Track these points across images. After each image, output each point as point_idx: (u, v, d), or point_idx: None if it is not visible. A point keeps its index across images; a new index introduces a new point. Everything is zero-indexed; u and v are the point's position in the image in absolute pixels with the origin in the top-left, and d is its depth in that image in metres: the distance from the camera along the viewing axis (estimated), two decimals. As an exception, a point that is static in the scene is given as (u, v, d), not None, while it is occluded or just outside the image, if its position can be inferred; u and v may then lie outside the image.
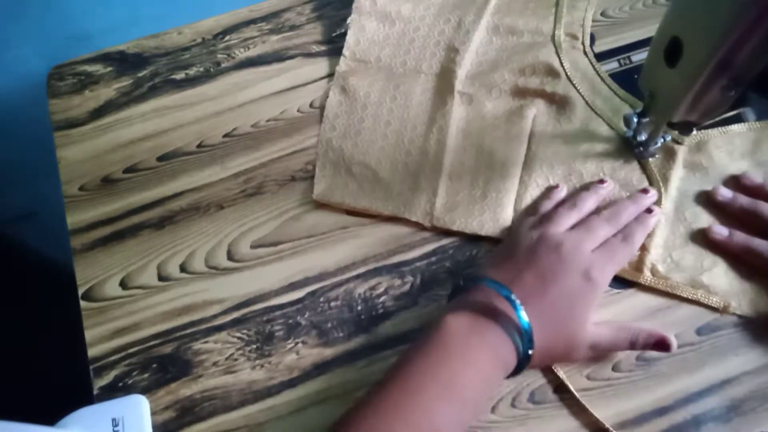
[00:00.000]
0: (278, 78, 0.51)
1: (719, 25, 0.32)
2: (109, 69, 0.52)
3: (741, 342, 0.40)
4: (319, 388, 0.41)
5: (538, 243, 0.39)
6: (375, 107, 0.48)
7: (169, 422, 0.41)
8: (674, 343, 0.38)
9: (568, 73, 0.48)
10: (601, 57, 0.49)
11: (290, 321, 0.43)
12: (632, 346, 0.39)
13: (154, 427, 0.41)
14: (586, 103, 0.47)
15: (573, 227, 0.41)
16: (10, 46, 0.60)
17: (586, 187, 0.44)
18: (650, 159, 0.44)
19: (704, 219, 0.43)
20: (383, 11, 0.51)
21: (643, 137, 0.44)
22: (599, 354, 0.40)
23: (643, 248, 0.42)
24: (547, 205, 0.43)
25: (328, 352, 0.42)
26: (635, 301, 0.42)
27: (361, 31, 0.51)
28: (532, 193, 0.45)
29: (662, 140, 0.43)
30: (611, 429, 0.38)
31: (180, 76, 0.52)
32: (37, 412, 0.40)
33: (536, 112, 0.47)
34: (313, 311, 0.43)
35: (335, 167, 0.46)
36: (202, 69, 0.52)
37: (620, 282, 0.42)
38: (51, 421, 0.39)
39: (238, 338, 0.43)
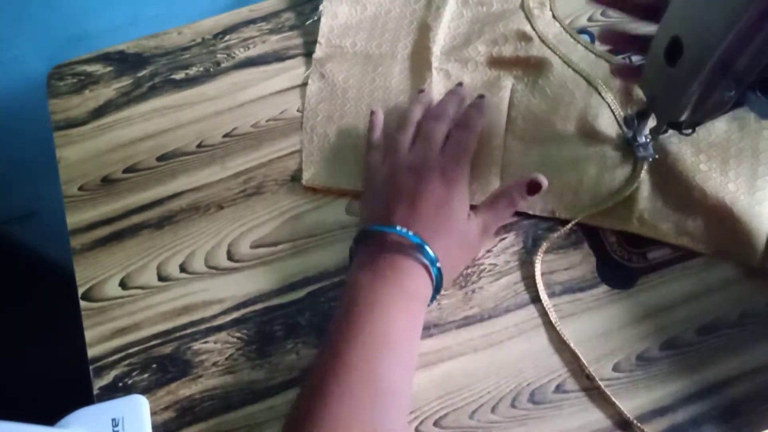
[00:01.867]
0: (278, 78, 0.51)
1: (719, 25, 0.32)
2: (109, 69, 0.52)
3: (741, 342, 0.40)
4: (319, 388, 0.41)
5: (393, 173, 0.41)
6: (355, 90, 0.49)
7: (169, 422, 0.41)
8: (543, 180, 0.40)
9: (541, 36, 0.48)
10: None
11: (290, 321, 0.43)
12: (513, 205, 0.41)
13: (154, 427, 0.41)
14: (563, 61, 0.47)
15: (412, 144, 0.43)
16: (10, 46, 0.60)
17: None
18: (650, 159, 0.44)
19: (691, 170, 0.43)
20: None
21: (643, 137, 0.44)
22: (493, 235, 0.43)
23: (631, 198, 0.43)
24: (377, 134, 0.46)
25: (328, 352, 0.42)
26: (635, 300, 0.42)
27: (334, 17, 0.51)
28: (517, 158, 0.45)
29: (662, 140, 0.43)
30: (635, 421, 0.38)
31: (180, 76, 0.52)
32: (37, 412, 0.40)
33: (513, 80, 0.48)
34: (313, 311, 0.43)
35: (321, 152, 0.47)
36: (202, 69, 0.52)
37: (620, 282, 0.42)
38: (51, 421, 0.39)
39: (238, 338, 0.43)
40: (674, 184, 0.43)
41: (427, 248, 0.37)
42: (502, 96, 0.47)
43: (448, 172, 0.40)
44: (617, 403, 0.39)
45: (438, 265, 0.37)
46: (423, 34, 0.50)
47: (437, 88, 0.48)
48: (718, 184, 0.42)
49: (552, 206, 0.44)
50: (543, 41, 0.48)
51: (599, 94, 0.46)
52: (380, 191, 0.41)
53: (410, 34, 0.50)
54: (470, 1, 0.51)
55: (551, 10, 0.50)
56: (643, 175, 0.43)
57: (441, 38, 0.50)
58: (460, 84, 0.47)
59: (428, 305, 0.39)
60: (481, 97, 0.45)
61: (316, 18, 0.51)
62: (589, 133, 0.45)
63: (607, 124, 0.45)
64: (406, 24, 0.50)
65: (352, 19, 0.51)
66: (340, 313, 0.37)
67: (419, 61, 0.49)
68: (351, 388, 0.33)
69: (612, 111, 0.46)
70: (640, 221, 0.42)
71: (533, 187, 0.40)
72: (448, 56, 0.49)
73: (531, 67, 0.48)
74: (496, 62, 0.48)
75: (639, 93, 0.46)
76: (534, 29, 0.48)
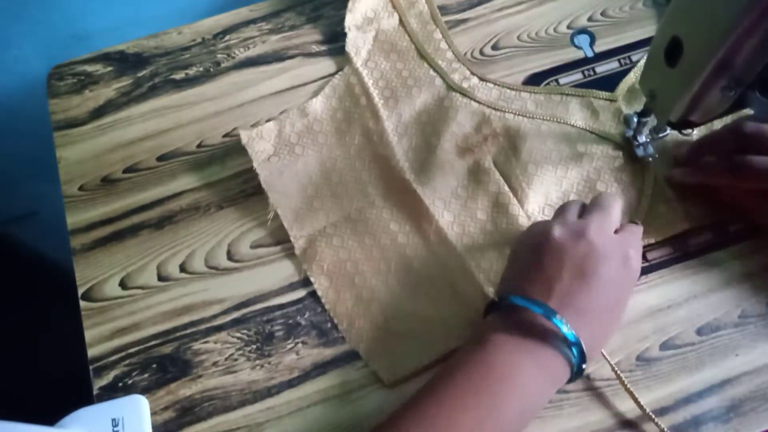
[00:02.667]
0: (278, 78, 0.51)
1: (719, 25, 0.32)
2: (109, 69, 0.52)
3: (741, 342, 0.40)
4: (319, 388, 0.41)
5: (560, 237, 0.36)
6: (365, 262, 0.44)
7: (169, 422, 0.41)
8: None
9: (493, 105, 0.47)
10: (601, 57, 0.49)
11: (290, 321, 0.43)
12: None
13: (154, 427, 0.41)
14: (525, 116, 0.47)
15: (582, 213, 0.39)
16: (10, 46, 0.60)
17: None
18: (650, 159, 0.44)
19: None
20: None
21: (643, 137, 0.44)
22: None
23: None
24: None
25: (328, 352, 0.42)
26: (635, 300, 0.42)
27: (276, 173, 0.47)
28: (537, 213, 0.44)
29: (662, 140, 0.43)
30: (651, 414, 0.37)
31: (180, 76, 0.52)
32: (37, 412, 0.40)
33: (491, 156, 0.46)
34: (313, 311, 0.43)
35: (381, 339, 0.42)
36: (201, 69, 0.52)
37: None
38: (51, 421, 0.39)
39: (238, 338, 0.43)
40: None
41: (577, 341, 0.33)
42: (490, 174, 0.45)
43: (630, 256, 0.36)
44: (615, 403, 0.39)
45: (583, 366, 0.34)
46: (384, 164, 0.46)
47: (433, 208, 0.44)
48: None
49: None
50: (496, 109, 0.47)
51: (573, 125, 0.46)
52: (542, 254, 0.36)
53: (372, 170, 0.46)
54: (403, 114, 0.47)
55: (475, 75, 0.48)
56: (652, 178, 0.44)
57: (402, 158, 0.46)
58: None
59: (546, 401, 0.35)
60: (636, 222, 0.41)
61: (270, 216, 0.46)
62: (588, 159, 0.45)
63: (594, 144, 0.46)
64: (360, 164, 0.46)
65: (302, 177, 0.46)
66: (472, 364, 0.34)
67: (398, 188, 0.45)
68: None
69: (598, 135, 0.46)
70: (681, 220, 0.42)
71: None
72: (419, 171, 0.45)
73: (499, 137, 0.46)
74: (467, 149, 0.46)
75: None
76: (478, 101, 0.47)
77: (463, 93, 0.48)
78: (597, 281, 0.34)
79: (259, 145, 0.46)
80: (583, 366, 0.34)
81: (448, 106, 0.47)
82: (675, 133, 0.45)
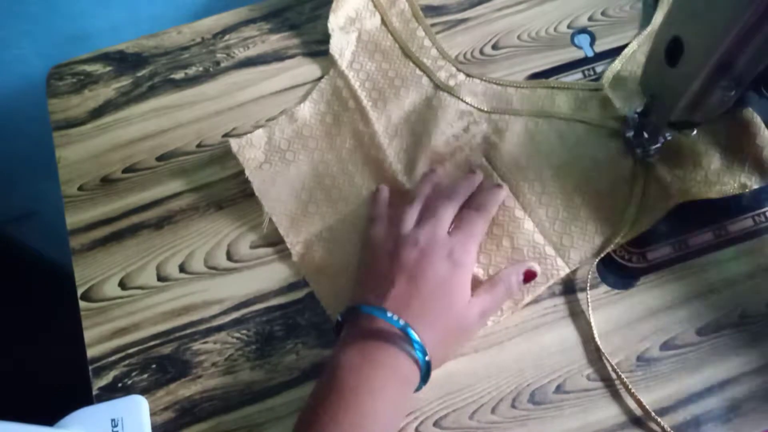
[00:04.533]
0: (278, 77, 0.51)
1: (720, 25, 0.32)
2: (109, 69, 0.52)
3: (741, 342, 0.40)
4: (318, 389, 0.41)
5: (395, 248, 0.39)
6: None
7: (169, 423, 0.41)
8: (537, 268, 0.41)
9: (481, 104, 0.47)
10: (602, 56, 0.49)
11: (290, 321, 0.43)
12: (511, 292, 0.40)
13: (154, 427, 0.41)
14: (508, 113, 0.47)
15: (420, 220, 0.41)
16: (10, 46, 0.60)
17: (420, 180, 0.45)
18: (650, 159, 0.44)
19: None
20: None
21: (643, 137, 0.44)
22: (489, 318, 0.41)
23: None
24: (380, 208, 0.44)
25: (328, 353, 0.42)
26: (635, 300, 0.42)
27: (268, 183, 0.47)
28: (541, 213, 0.44)
29: (663, 140, 0.43)
30: (652, 413, 0.38)
31: (179, 75, 0.52)
32: (37, 412, 0.40)
33: (484, 148, 0.46)
34: (313, 311, 0.43)
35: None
36: (201, 68, 0.52)
37: (620, 282, 0.42)
38: (51, 421, 0.39)
39: (238, 338, 0.43)
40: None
41: (417, 339, 0.35)
42: (486, 174, 0.45)
43: (455, 254, 0.38)
44: (617, 403, 0.39)
45: (427, 358, 0.36)
46: (377, 166, 0.46)
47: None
48: None
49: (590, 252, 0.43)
50: (482, 110, 0.47)
51: (561, 118, 0.46)
52: (380, 265, 0.40)
53: (364, 173, 0.46)
54: (392, 115, 0.47)
55: (461, 72, 0.48)
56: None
57: (396, 163, 0.45)
58: (473, 171, 0.45)
59: (415, 391, 0.37)
60: (499, 185, 0.43)
61: (263, 226, 0.45)
62: (581, 159, 0.45)
63: (587, 134, 0.46)
64: (353, 167, 0.46)
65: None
66: (324, 390, 0.35)
67: (392, 189, 0.45)
68: None
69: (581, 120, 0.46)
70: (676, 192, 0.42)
71: (530, 276, 0.41)
72: (413, 169, 0.45)
73: (490, 134, 0.46)
74: (458, 147, 0.46)
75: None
76: (466, 102, 0.47)
77: (450, 92, 0.47)
78: (425, 284, 0.37)
79: (250, 152, 0.46)
80: (426, 359, 0.35)
81: (436, 106, 0.47)
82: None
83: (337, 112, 0.48)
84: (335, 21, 0.50)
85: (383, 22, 0.50)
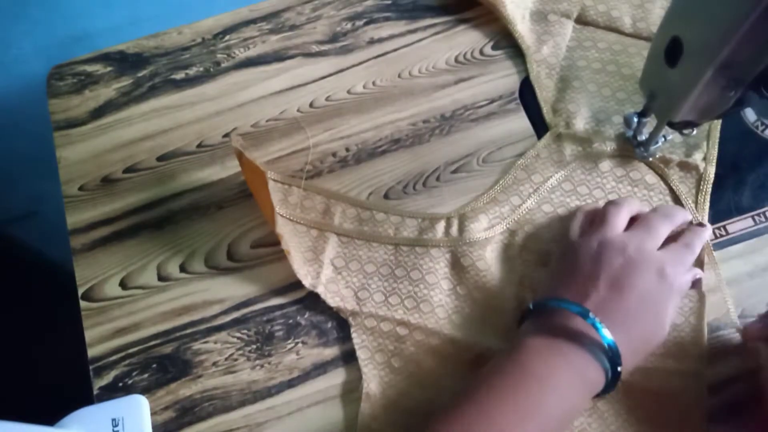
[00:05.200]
0: (278, 78, 0.51)
1: (719, 25, 0.32)
2: (109, 69, 0.52)
3: (741, 342, 0.40)
4: (319, 388, 0.41)
5: (600, 249, 0.37)
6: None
7: (169, 422, 0.41)
8: (700, 273, 0.39)
9: (499, 232, 0.44)
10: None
11: (290, 321, 0.43)
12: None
13: (154, 427, 0.41)
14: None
15: (629, 228, 0.39)
16: (10, 46, 0.60)
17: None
18: (650, 159, 0.44)
19: None
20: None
21: (643, 137, 0.44)
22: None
23: None
24: (589, 208, 0.42)
25: (328, 352, 0.42)
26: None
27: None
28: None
29: (663, 140, 0.43)
30: None
31: (180, 76, 0.52)
32: (37, 412, 0.40)
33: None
34: (313, 311, 0.43)
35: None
36: (201, 69, 0.52)
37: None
38: (51, 421, 0.39)
39: (238, 338, 0.43)
40: None
41: (617, 348, 0.33)
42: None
43: (667, 271, 0.36)
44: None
45: (619, 369, 0.33)
46: (457, 349, 0.41)
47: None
48: None
49: None
50: (508, 228, 0.44)
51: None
52: (580, 263, 0.37)
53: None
54: (443, 304, 0.42)
55: (444, 218, 0.44)
56: None
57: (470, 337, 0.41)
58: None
59: (585, 406, 0.36)
60: (704, 225, 0.41)
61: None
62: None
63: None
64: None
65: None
66: (506, 367, 0.34)
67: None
68: None
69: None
70: None
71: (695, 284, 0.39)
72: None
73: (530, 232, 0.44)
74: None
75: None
76: (488, 239, 0.43)
77: (469, 244, 0.43)
78: (630, 292, 0.35)
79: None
80: (618, 369, 0.33)
81: (468, 264, 0.42)
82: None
83: (396, 349, 0.41)
84: (306, 277, 0.43)
85: (338, 236, 0.44)
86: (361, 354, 0.41)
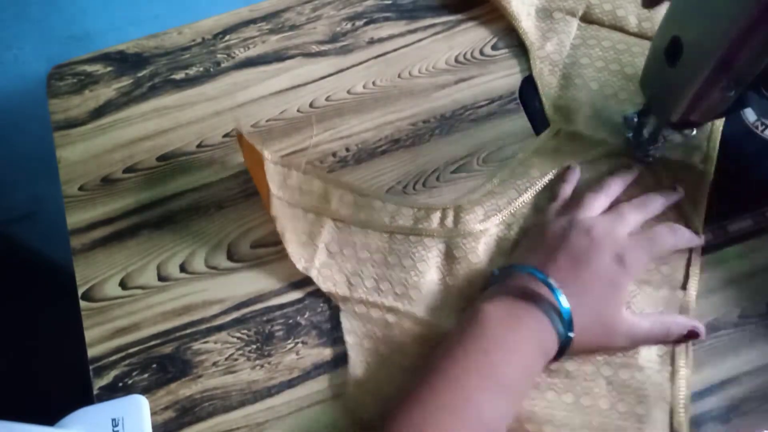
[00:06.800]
0: (278, 78, 0.51)
1: (719, 25, 0.32)
2: (109, 69, 0.52)
3: (741, 342, 0.40)
4: (319, 388, 0.41)
5: (568, 227, 0.39)
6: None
7: (169, 422, 0.41)
8: (702, 329, 0.39)
9: (496, 224, 0.44)
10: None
11: (290, 321, 0.43)
12: (666, 339, 0.39)
13: (154, 427, 0.41)
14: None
15: (602, 213, 0.41)
16: (10, 46, 0.60)
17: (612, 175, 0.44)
18: (650, 160, 0.44)
19: None
20: None
21: (643, 138, 0.44)
22: (635, 345, 0.39)
23: None
24: (567, 189, 0.43)
25: (328, 352, 0.42)
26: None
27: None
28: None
29: (663, 140, 0.43)
30: None
31: (180, 76, 0.52)
32: (37, 412, 0.40)
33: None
34: (313, 311, 0.43)
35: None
36: (202, 69, 0.52)
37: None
38: (51, 421, 0.39)
39: (238, 338, 0.43)
40: None
41: (568, 309, 0.35)
42: None
43: (627, 258, 0.37)
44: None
45: (571, 335, 0.35)
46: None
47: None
48: None
49: None
50: (504, 220, 0.44)
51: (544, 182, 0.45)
52: (548, 238, 0.39)
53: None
54: (434, 293, 0.42)
55: (440, 210, 0.44)
56: None
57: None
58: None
59: (542, 368, 0.37)
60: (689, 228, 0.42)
61: None
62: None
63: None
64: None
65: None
66: (464, 332, 0.36)
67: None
68: (456, 409, 0.33)
69: None
70: None
71: (692, 335, 0.39)
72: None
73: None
74: None
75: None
76: (483, 230, 0.43)
77: (462, 235, 0.43)
78: (587, 270, 0.37)
79: None
80: (570, 335, 0.35)
81: (461, 257, 0.43)
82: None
83: (384, 337, 0.41)
84: (299, 260, 0.43)
85: (334, 221, 0.45)
86: (349, 339, 0.42)
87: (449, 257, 0.43)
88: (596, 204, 0.41)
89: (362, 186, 0.46)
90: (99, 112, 0.51)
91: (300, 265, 0.43)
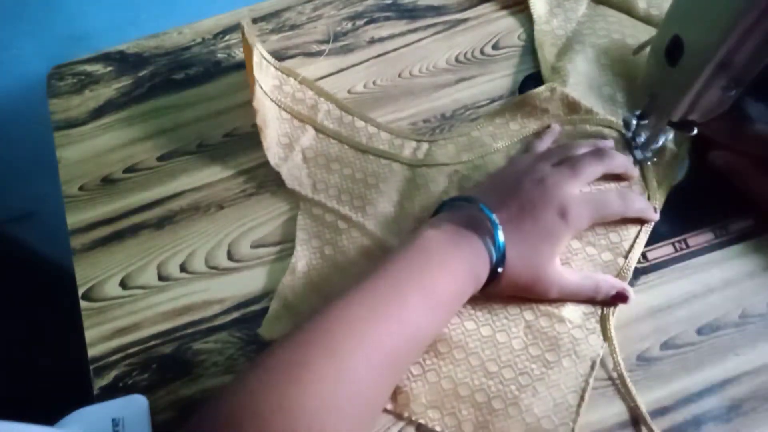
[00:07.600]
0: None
1: (720, 25, 0.32)
2: (109, 69, 0.52)
3: (741, 342, 0.40)
4: (319, 388, 0.41)
5: (523, 175, 0.40)
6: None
7: (169, 422, 0.41)
8: (631, 293, 0.40)
9: (458, 160, 0.46)
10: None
11: (290, 321, 0.43)
12: (594, 296, 0.40)
13: (154, 427, 0.41)
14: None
15: (561, 163, 0.41)
16: (10, 46, 0.60)
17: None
18: (650, 160, 0.44)
19: None
20: None
21: (642, 138, 0.44)
22: (563, 297, 0.40)
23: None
24: (541, 145, 0.45)
25: (328, 352, 0.42)
26: (635, 300, 0.41)
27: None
28: None
29: (663, 140, 0.43)
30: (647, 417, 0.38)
31: (180, 75, 0.52)
32: (37, 412, 0.40)
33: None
34: (313, 311, 0.43)
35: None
36: (202, 69, 0.52)
37: (620, 282, 0.42)
38: (51, 421, 0.39)
39: (239, 338, 0.43)
40: None
41: (501, 240, 0.37)
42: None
43: (571, 212, 0.39)
44: (620, 401, 0.39)
45: (500, 269, 0.37)
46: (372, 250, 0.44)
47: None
48: None
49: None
50: (464, 163, 0.46)
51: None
52: (505, 180, 0.41)
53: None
54: (382, 209, 0.45)
55: (422, 141, 0.47)
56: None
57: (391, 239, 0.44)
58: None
59: (470, 294, 0.38)
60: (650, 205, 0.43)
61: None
62: None
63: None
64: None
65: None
66: (402, 251, 0.37)
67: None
68: (384, 316, 0.34)
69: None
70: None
71: (620, 298, 0.40)
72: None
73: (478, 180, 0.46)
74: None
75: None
76: (446, 164, 0.46)
77: (427, 164, 0.46)
78: (530, 217, 0.38)
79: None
80: (499, 270, 0.37)
81: (422, 184, 0.45)
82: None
83: (331, 239, 0.44)
84: (274, 156, 0.46)
85: (317, 130, 0.48)
86: (300, 234, 0.44)
87: (411, 183, 0.45)
88: (557, 157, 0.42)
89: (351, 106, 0.49)
90: (99, 112, 0.51)
91: (272, 161, 0.46)
